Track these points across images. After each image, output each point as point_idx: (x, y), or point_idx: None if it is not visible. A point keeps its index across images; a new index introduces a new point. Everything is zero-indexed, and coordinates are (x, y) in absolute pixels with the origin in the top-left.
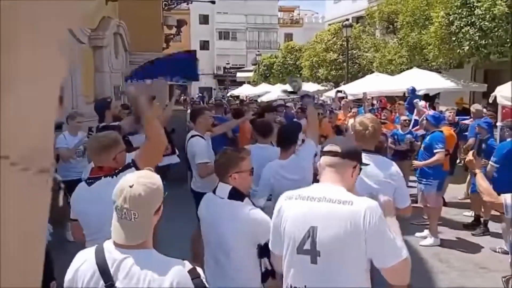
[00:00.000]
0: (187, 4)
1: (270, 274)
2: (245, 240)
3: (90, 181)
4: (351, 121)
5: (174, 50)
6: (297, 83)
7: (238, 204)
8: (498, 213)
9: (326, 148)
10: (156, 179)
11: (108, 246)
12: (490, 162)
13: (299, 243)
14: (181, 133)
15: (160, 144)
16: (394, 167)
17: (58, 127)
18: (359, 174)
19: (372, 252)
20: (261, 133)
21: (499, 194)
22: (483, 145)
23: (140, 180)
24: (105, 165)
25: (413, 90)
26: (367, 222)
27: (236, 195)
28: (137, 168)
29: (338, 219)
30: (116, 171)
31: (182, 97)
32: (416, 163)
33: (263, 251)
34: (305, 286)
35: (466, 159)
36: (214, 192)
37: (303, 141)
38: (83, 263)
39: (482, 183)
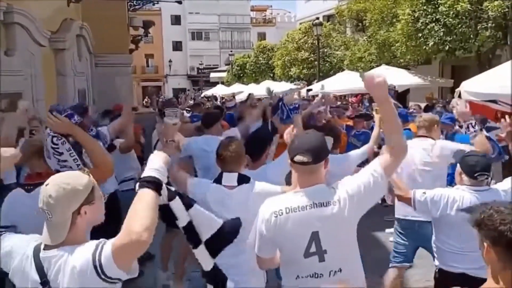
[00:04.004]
0: (153, 4)
1: None
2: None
3: (29, 187)
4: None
5: (144, 51)
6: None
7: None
8: None
9: (296, 159)
10: (75, 180)
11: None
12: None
13: (305, 250)
14: (150, 135)
15: (107, 171)
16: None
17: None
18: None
19: (365, 200)
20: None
21: None
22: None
23: (56, 181)
24: (43, 171)
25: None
26: (346, 206)
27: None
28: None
29: (333, 219)
30: None
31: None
32: None
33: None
34: (314, 273)
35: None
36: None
37: None
38: (22, 259)
39: (393, 176)
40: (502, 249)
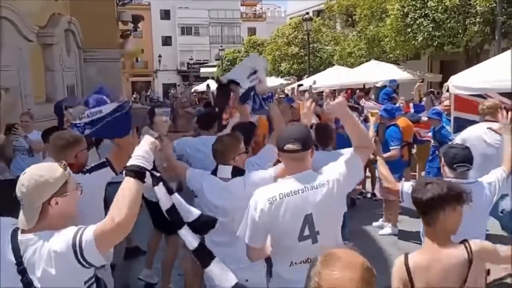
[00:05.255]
0: None
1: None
2: None
3: None
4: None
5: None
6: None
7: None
8: None
9: (286, 147)
10: (49, 172)
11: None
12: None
13: (299, 233)
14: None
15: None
16: None
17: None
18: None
19: (349, 180)
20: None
21: None
22: (437, 135)
23: (31, 171)
24: (72, 162)
25: (393, 82)
26: (335, 186)
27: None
28: (112, 167)
29: (324, 200)
30: (88, 168)
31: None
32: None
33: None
34: (307, 258)
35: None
36: (214, 174)
37: None
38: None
39: (382, 169)
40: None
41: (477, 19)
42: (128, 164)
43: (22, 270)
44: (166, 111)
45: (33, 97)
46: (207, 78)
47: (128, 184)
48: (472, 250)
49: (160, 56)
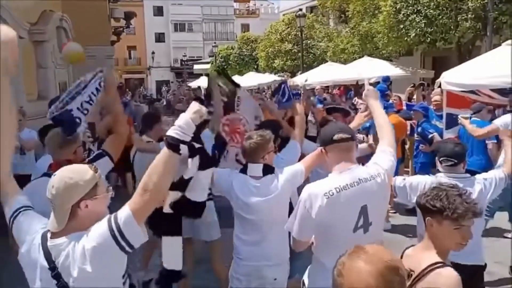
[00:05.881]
0: None
1: None
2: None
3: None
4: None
5: (126, 43)
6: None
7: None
8: None
9: (338, 137)
10: (79, 175)
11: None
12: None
13: (354, 224)
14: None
15: (125, 139)
16: None
17: None
18: None
19: (391, 173)
20: None
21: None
22: (419, 129)
23: (61, 173)
24: (71, 158)
25: (386, 79)
26: (386, 177)
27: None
28: (110, 156)
29: (378, 191)
30: (88, 159)
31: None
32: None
33: None
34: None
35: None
36: (243, 172)
37: None
38: (31, 247)
39: None
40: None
41: (469, 16)
42: (167, 133)
43: (56, 275)
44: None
45: (24, 95)
46: (201, 75)
47: (162, 154)
48: None
49: (153, 52)
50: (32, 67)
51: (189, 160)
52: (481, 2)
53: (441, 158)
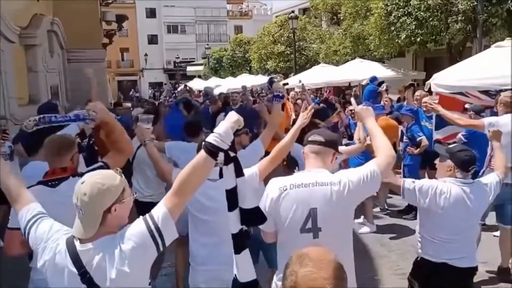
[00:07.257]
0: None
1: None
2: None
3: (53, 183)
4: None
5: (119, 45)
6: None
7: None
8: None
9: (311, 138)
10: (109, 180)
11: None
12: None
13: (301, 225)
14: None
15: (128, 155)
16: None
17: None
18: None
19: (362, 188)
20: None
21: None
22: (408, 132)
23: (91, 179)
24: (67, 166)
25: (373, 79)
26: (346, 188)
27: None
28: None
29: (333, 198)
30: (84, 172)
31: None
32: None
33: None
34: None
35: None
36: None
37: None
38: (55, 255)
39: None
40: None
41: (459, 18)
42: (206, 139)
43: (88, 280)
44: (149, 118)
45: (15, 99)
46: (194, 76)
47: (200, 159)
48: None
49: (146, 54)
50: (23, 71)
51: (224, 169)
52: (471, 5)
53: (471, 166)
